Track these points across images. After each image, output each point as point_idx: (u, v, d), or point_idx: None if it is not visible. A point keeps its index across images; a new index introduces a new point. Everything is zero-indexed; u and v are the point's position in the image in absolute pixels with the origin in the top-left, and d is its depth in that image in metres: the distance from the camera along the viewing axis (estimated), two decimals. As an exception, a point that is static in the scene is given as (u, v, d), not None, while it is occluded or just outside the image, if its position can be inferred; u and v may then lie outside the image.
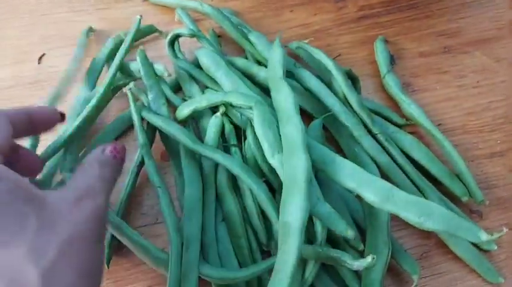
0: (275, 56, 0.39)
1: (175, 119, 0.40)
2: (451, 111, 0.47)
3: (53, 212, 0.22)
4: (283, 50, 0.40)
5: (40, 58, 0.48)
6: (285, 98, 0.34)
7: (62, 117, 0.32)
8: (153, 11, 0.54)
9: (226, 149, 0.38)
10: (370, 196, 0.29)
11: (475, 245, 0.37)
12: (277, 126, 0.34)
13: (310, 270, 0.32)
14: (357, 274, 0.34)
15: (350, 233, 0.29)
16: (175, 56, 0.45)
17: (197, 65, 0.44)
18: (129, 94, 0.40)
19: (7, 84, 0.46)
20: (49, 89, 0.45)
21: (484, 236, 0.25)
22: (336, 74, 0.42)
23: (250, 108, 0.38)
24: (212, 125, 0.38)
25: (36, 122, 0.30)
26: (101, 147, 0.27)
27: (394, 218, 0.38)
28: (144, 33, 0.50)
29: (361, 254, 0.34)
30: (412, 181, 0.39)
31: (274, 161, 0.33)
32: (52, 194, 0.24)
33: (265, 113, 0.37)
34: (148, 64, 0.42)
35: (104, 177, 0.26)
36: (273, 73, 0.38)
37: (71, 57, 0.46)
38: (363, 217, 0.36)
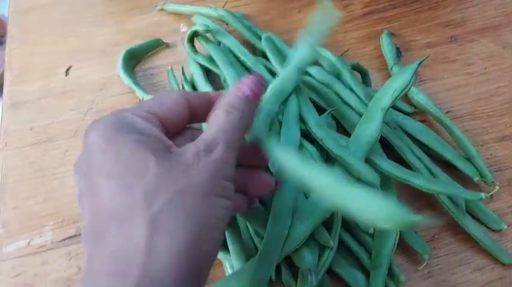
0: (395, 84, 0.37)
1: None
2: (460, 98, 0.48)
3: (173, 163, 0.22)
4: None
5: (67, 70, 0.52)
6: (371, 131, 0.36)
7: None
8: (169, 20, 0.57)
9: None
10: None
11: (485, 225, 0.38)
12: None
13: (327, 255, 0.34)
14: (370, 255, 0.35)
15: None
16: (195, 52, 0.48)
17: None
18: None
19: (36, 97, 0.50)
20: (77, 98, 0.49)
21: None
22: (342, 70, 0.44)
23: None
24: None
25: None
26: (236, 86, 0.26)
27: (404, 203, 0.40)
28: (152, 47, 0.54)
29: (371, 237, 0.35)
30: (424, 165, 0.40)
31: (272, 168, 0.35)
32: (181, 150, 0.24)
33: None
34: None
35: (227, 125, 0.24)
36: (378, 102, 0.37)
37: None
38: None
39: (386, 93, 0.37)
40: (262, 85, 0.27)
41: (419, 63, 0.38)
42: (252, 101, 0.26)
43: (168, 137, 0.26)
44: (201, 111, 0.28)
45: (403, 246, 0.37)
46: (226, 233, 0.35)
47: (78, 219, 0.39)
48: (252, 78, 0.27)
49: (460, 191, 0.33)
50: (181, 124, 0.27)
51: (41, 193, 0.41)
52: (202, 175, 0.22)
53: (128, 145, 0.22)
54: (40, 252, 0.38)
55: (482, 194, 0.33)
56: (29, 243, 0.38)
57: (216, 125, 0.25)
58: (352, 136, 0.36)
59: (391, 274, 0.35)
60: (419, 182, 0.34)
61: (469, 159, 0.41)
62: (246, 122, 0.26)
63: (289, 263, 0.34)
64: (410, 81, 0.37)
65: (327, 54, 0.47)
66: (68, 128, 0.46)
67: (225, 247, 0.35)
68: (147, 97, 0.47)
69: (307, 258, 0.32)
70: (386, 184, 0.37)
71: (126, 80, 0.49)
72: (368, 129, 0.35)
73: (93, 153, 0.23)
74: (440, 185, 0.34)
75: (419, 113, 0.46)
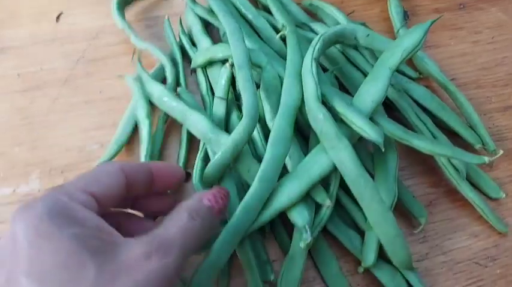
0: (405, 43, 0.35)
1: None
2: (465, 66, 0.47)
3: (118, 267, 0.20)
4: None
5: (58, 17, 0.49)
6: (377, 90, 0.34)
7: (187, 177, 0.30)
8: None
9: (238, 98, 0.39)
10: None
11: (483, 193, 0.38)
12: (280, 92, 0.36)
13: (324, 213, 0.33)
14: (365, 216, 0.35)
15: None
16: (194, 2, 0.46)
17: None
18: None
19: (25, 43, 0.47)
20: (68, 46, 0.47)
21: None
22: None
23: (260, 67, 0.39)
24: (222, 75, 0.38)
25: (157, 181, 0.28)
26: (201, 193, 0.25)
27: (404, 168, 0.40)
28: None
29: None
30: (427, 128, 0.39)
31: (271, 124, 0.35)
32: (129, 243, 0.21)
33: (272, 78, 0.38)
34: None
35: (188, 232, 0.23)
36: (386, 60, 0.35)
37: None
38: (371, 165, 0.37)
39: (395, 52, 0.35)
40: (227, 199, 0.26)
41: (432, 23, 0.36)
42: (216, 214, 0.25)
43: (104, 214, 0.23)
44: (139, 184, 0.26)
45: (400, 209, 0.36)
46: None
47: (66, 169, 0.38)
48: (219, 191, 0.26)
49: (463, 155, 0.32)
50: (119, 201, 0.25)
51: (27, 141, 0.39)
52: (148, 284, 0.20)
53: (66, 243, 0.20)
54: (26, 200, 0.36)
55: (486, 158, 0.32)
56: (14, 191, 0.37)
57: (176, 226, 0.22)
58: (356, 94, 0.35)
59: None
60: (421, 143, 0.33)
61: (471, 126, 0.40)
62: (206, 234, 0.24)
63: (285, 221, 0.33)
64: (421, 40, 0.35)
65: (333, 11, 0.45)
66: (58, 76, 0.44)
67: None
68: (141, 45, 0.44)
69: (303, 215, 0.31)
70: (387, 145, 0.36)
71: (121, 23, 0.46)
72: (374, 87, 0.34)
73: (22, 248, 0.20)
74: (443, 147, 0.33)
75: (423, 78, 0.45)
